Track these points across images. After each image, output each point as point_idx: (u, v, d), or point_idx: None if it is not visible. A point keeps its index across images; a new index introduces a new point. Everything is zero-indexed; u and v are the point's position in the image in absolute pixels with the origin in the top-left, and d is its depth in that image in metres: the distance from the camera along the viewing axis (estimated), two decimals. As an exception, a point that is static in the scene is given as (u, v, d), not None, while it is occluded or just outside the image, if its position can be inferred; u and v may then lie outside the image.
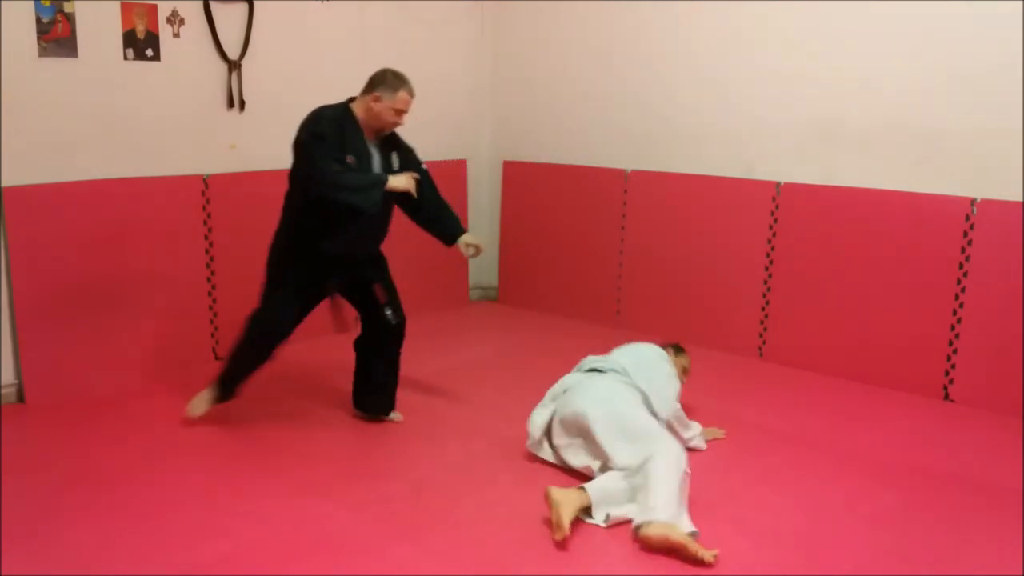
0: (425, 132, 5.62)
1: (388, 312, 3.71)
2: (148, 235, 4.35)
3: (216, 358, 4.51)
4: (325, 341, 4.25)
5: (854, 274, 4.45)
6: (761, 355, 4.83)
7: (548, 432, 3.42)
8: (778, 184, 4.71)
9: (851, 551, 2.80)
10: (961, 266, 4.12)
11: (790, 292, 4.70)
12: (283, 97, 4.68)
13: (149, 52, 4.30)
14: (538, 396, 3.55)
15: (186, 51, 4.44)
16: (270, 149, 4.43)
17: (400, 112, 3.50)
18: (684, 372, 3.73)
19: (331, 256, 3.59)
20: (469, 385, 4.35)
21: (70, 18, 4.02)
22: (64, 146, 4.09)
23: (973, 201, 4.08)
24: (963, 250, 4.12)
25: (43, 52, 3.97)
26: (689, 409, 3.61)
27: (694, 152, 5.06)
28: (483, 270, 6.18)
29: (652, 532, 2.74)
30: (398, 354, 3.84)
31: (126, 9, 4.19)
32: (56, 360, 4.07)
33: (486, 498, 3.15)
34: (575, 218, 5.59)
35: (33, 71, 3.95)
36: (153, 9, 4.29)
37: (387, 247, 3.83)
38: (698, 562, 2.67)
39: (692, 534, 2.77)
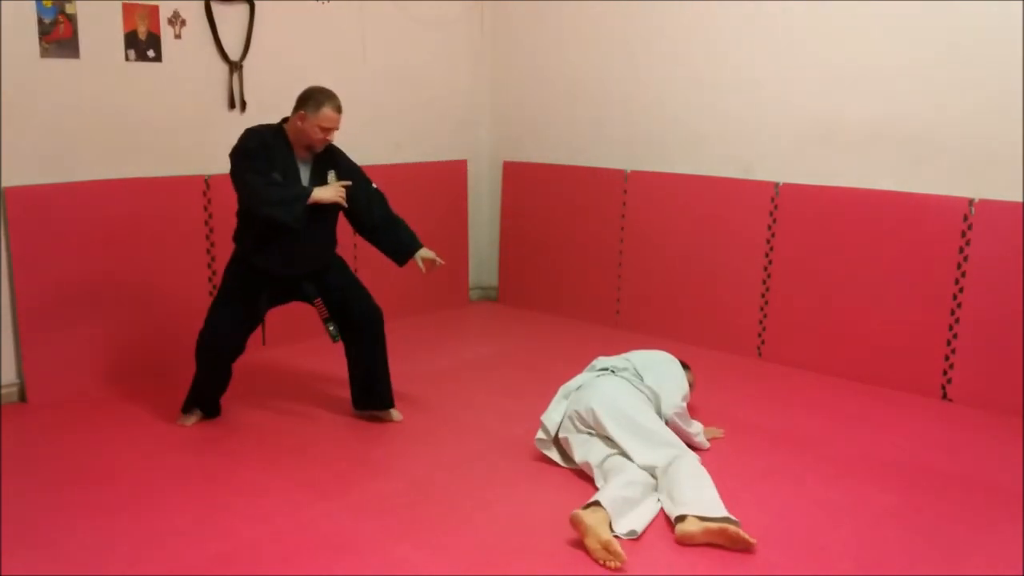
0: (425, 132, 5.69)
1: (331, 328, 3.70)
2: (150, 235, 4.37)
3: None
4: (325, 341, 4.25)
5: (853, 274, 4.46)
6: (760, 355, 4.84)
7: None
8: (777, 184, 4.72)
9: (851, 551, 2.80)
10: (959, 266, 4.13)
11: (789, 292, 4.71)
12: (284, 98, 4.65)
13: (151, 53, 4.32)
14: (539, 396, 3.56)
15: (187, 52, 4.45)
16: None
17: (326, 129, 3.49)
18: (690, 387, 3.74)
19: (265, 270, 3.61)
20: (469, 385, 4.37)
21: (72, 19, 4.03)
22: (66, 147, 4.11)
23: (971, 201, 4.09)
24: (961, 250, 4.12)
25: (45, 53, 3.98)
26: (689, 409, 3.62)
27: (693, 152, 5.07)
28: (483, 270, 6.20)
29: (690, 526, 2.78)
30: (380, 349, 3.82)
31: (128, 10, 4.21)
32: (58, 359, 4.09)
33: (486, 498, 3.15)
34: (575, 218, 5.60)
35: (35, 72, 3.96)
36: (155, 10, 4.30)
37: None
38: (744, 547, 2.72)
39: (731, 520, 2.79)
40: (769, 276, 4.78)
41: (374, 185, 3.77)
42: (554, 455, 3.43)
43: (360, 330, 3.78)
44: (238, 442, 3.64)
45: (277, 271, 3.63)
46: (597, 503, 2.84)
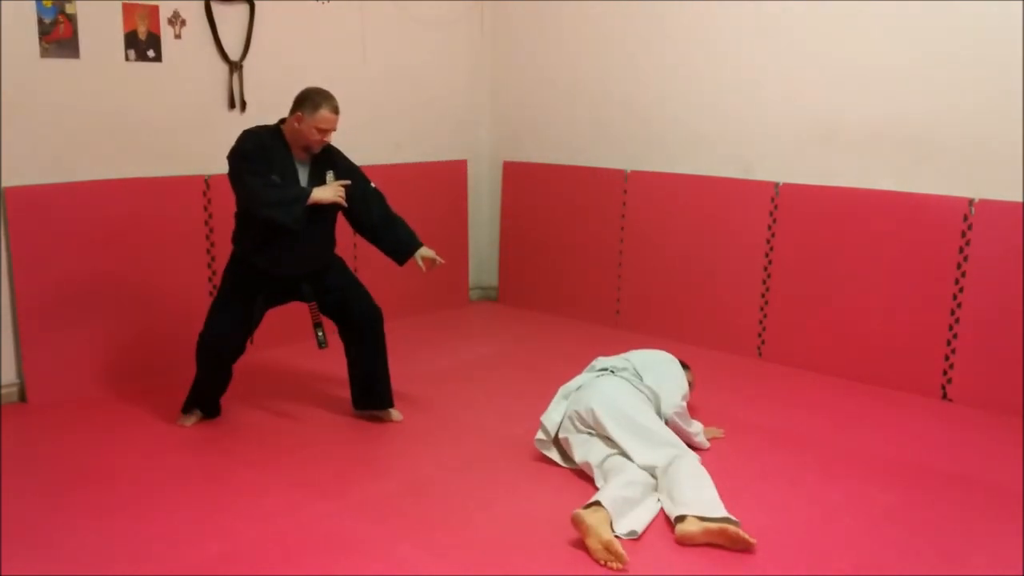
0: (425, 132, 5.69)
1: (319, 333, 3.70)
2: (150, 235, 4.37)
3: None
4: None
5: (852, 274, 4.46)
6: (760, 355, 4.84)
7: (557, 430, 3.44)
8: (777, 184, 4.72)
9: (851, 551, 2.80)
10: (959, 266, 4.13)
11: (789, 292, 4.71)
12: (284, 98, 4.65)
13: (151, 53, 4.32)
14: (539, 396, 3.56)
15: (187, 52, 4.45)
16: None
17: (323, 131, 3.48)
18: (690, 386, 3.75)
19: (264, 271, 3.62)
20: (469, 385, 4.37)
21: (72, 19, 4.03)
22: (66, 147, 4.11)
23: (971, 201, 4.09)
24: (961, 250, 4.13)
25: (45, 53, 3.98)
26: (689, 409, 3.62)
27: (693, 152, 5.08)
28: (483, 270, 6.20)
29: (690, 526, 2.78)
30: (380, 349, 3.82)
31: (128, 10, 4.21)
32: (58, 360, 4.09)
33: (486, 498, 3.16)
34: (575, 218, 5.60)
35: (35, 72, 3.96)
36: (155, 10, 4.30)
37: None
38: (744, 546, 2.72)
39: (731, 520, 2.79)
40: (769, 276, 4.78)
41: (373, 185, 3.77)
42: (554, 455, 3.44)
43: (360, 330, 3.78)
44: (238, 442, 3.64)
45: (276, 272, 3.63)
46: (598, 503, 2.84)
